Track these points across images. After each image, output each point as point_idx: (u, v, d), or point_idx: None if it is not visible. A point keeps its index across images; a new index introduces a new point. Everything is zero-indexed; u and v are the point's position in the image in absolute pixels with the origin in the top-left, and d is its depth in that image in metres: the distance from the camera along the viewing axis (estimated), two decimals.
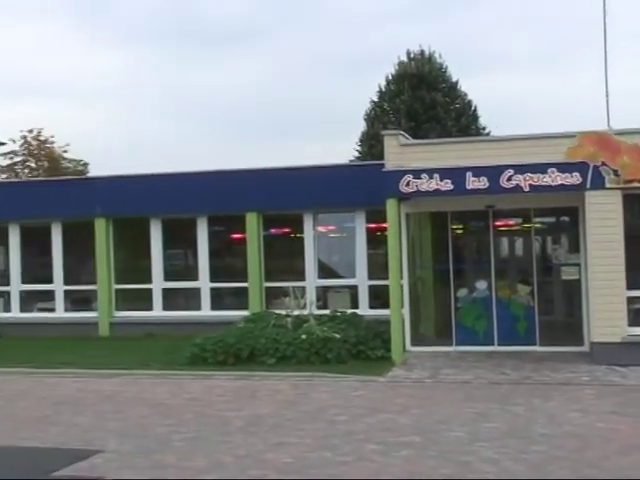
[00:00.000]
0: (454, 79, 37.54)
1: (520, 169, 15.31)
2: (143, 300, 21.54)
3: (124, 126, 59.15)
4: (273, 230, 21.16)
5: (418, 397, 12.70)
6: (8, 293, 22.30)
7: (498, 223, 17.53)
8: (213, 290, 21.06)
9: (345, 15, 61.96)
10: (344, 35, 61.51)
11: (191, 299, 21.39)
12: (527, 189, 15.32)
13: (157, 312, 21.37)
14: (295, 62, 60.79)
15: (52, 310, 22.19)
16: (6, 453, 9.85)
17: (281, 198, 20.15)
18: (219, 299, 21.14)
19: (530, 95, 54.94)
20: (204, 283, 21.06)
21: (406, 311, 16.75)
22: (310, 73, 61.28)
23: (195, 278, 21.16)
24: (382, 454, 9.29)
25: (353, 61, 59.61)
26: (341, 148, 51.60)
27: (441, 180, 15.71)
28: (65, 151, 42.21)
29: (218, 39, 63.90)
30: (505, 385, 13.48)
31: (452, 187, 15.68)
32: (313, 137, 59.43)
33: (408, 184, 15.87)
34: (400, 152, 16.52)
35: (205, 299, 21.04)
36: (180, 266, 22.38)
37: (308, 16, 63.28)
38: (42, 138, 41.82)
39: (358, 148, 37.36)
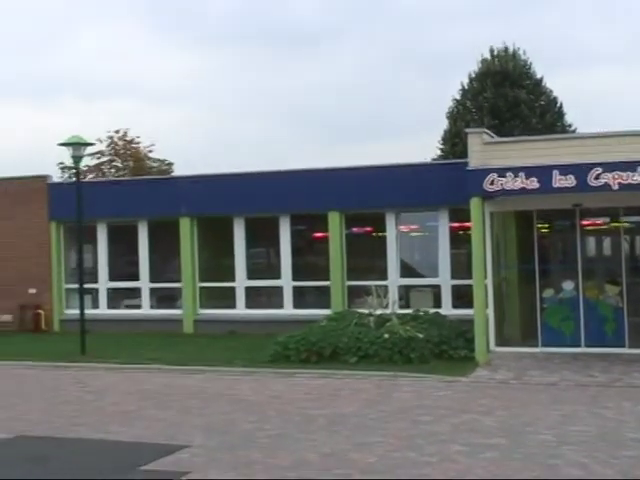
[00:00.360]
0: (539, 76, 36.97)
1: (608, 167, 14.96)
2: (226, 298, 21.79)
3: (207, 126, 59.96)
4: (355, 229, 21.15)
5: (503, 398, 12.52)
6: (96, 290, 22.80)
7: (585, 222, 17.17)
8: (295, 288, 21.16)
9: (426, 13, 61.58)
10: (426, 33, 61.11)
11: (273, 297, 21.55)
12: (616, 187, 14.94)
13: (240, 310, 21.59)
14: (376, 61, 60.64)
15: (138, 307, 22.63)
16: (95, 446, 10.06)
17: (363, 197, 20.14)
18: (301, 297, 21.24)
19: (626, 90, 53.53)
20: (286, 281, 21.17)
21: (490, 311, 16.53)
22: (391, 72, 61.08)
23: (278, 276, 21.29)
24: (467, 455, 9.18)
25: (435, 59, 59.16)
26: (423, 147, 51.29)
27: (527, 178, 15.46)
28: (150, 151, 42.86)
29: (297, 39, 64.20)
30: (593, 387, 13.19)
31: (538, 185, 15.41)
32: (395, 136, 59.22)
33: (492, 183, 15.67)
34: (484, 150, 16.32)
35: (287, 297, 21.16)
36: (263, 264, 22.57)
37: (389, 15, 63.12)
38: (128, 138, 42.54)
39: (440, 147, 37.08)
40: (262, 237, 22.28)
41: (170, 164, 43.56)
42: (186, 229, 21.83)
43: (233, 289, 21.70)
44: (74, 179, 19.76)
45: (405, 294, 20.17)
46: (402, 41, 60.43)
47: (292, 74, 62.32)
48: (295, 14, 62.18)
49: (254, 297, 21.72)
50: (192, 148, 53.85)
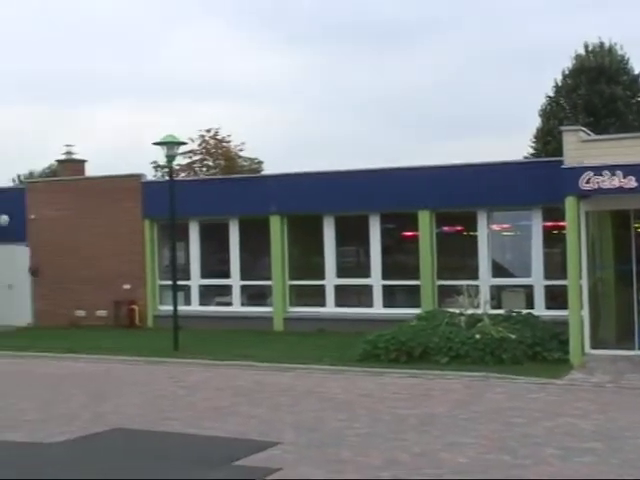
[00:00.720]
0: (636, 71, 35.97)
1: None
2: (316, 296, 21.87)
3: (299, 124, 60.31)
4: (446, 228, 20.96)
5: (599, 402, 12.23)
6: (188, 287, 23.16)
7: None
8: (385, 287, 21.09)
9: (518, 9, 60.65)
10: (518, 30, 60.22)
11: (363, 296, 21.52)
12: None
13: (329, 308, 21.63)
14: (468, 58, 60.02)
15: (229, 304, 22.89)
16: (190, 441, 10.21)
17: (454, 196, 19.94)
18: (391, 296, 21.16)
19: None
20: (376, 280, 21.13)
21: (585, 313, 16.13)
22: (483, 69, 60.39)
23: (367, 275, 21.25)
24: (562, 459, 8.99)
25: (528, 56, 58.27)
26: (516, 144, 50.58)
27: (624, 177, 15.07)
28: (241, 149, 43.36)
29: (390, 36, 64.00)
30: None
31: (636, 185, 15.01)
32: (487, 133, 58.58)
33: (588, 181, 15.32)
34: (579, 148, 15.96)
35: (377, 296, 21.11)
36: (352, 263, 22.55)
37: (481, 12, 62.38)
38: (219, 137, 43.14)
39: (533, 144, 36.46)
40: (352, 235, 22.27)
41: (260, 162, 43.98)
42: (276, 227, 21.99)
43: (323, 287, 21.76)
44: (167, 178, 20.15)
45: (497, 294, 19.89)
46: (496, 38, 59.68)
47: (385, 70, 62.23)
48: (387, 10, 62.01)
49: (343, 295, 21.74)
50: (283, 146, 54.29)
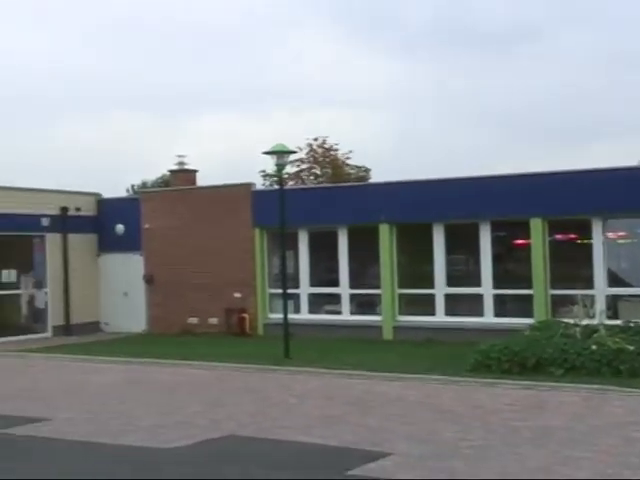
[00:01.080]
0: None
1: None
2: (425, 305, 21.72)
3: (408, 132, 60.06)
4: (558, 236, 20.52)
5: None
6: (298, 295, 23.32)
7: None
8: (496, 297, 20.78)
9: (633, 11, 58.91)
10: (631, 32, 58.57)
11: (473, 305, 21.25)
12: None
13: (439, 317, 21.46)
14: (581, 62, 58.67)
15: (338, 313, 22.95)
16: (303, 449, 10.25)
17: (567, 203, 19.53)
18: (502, 306, 20.84)
19: None
20: (487, 289, 20.84)
21: None
22: (597, 72, 58.90)
23: (477, 284, 20.99)
24: None
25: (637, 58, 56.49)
26: (632, 149, 49.01)
27: None
28: (348, 158, 43.54)
29: (496, 42, 63.10)
30: None
31: None
32: (601, 138, 57.09)
33: None
34: None
35: (488, 305, 20.82)
36: (462, 272, 22.32)
37: (594, 15, 60.88)
38: (326, 146, 43.42)
39: None
40: (461, 244, 22.05)
41: (367, 170, 44.03)
42: (385, 236, 21.94)
43: (432, 296, 21.59)
44: (276, 186, 20.34)
45: (613, 304, 19.33)
46: (612, 41, 58.19)
47: (500, 76, 61.35)
48: (499, 14, 61.16)
49: (453, 304, 21.52)
50: (390, 154, 54.15)
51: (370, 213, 21.98)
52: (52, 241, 25.28)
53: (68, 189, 26.14)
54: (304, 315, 23.17)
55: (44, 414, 12.69)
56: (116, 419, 12.26)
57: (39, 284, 25.16)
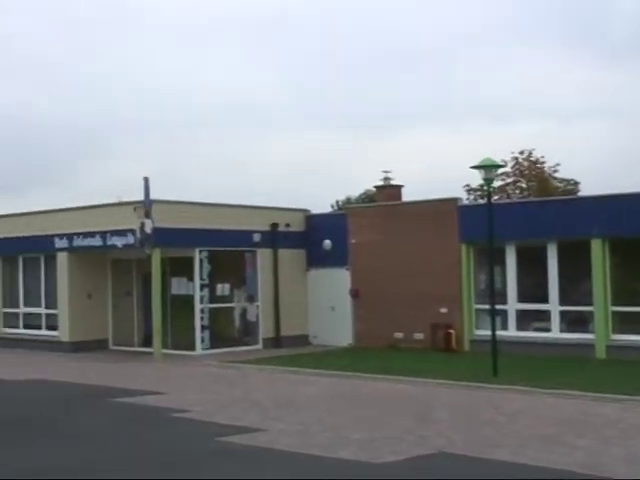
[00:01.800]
0: None
1: None
2: None
3: (616, 144, 57.58)
4: None
5: None
6: (505, 312, 22.81)
7: None
8: None
9: None
10: None
11: None
12: None
13: None
14: None
15: (547, 330, 22.27)
16: (516, 470, 9.99)
17: None
18: None
19: None
20: None
21: None
22: None
23: None
24: None
25: None
26: None
27: None
28: (555, 171, 42.43)
29: None
30: None
31: None
32: None
33: None
34: None
35: None
36: None
37: None
38: (533, 159, 42.52)
39: None
40: None
41: (576, 183, 42.68)
42: (598, 250, 21.09)
43: None
44: (481, 201, 20.07)
45: None
46: None
47: None
48: None
49: None
50: (603, 167, 52.05)
51: (581, 227, 21.22)
52: (263, 256, 26.16)
53: (278, 205, 26.99)
54: (512, 332, 22.61)
55: (258, 424, 13.11)
56: (326, 432, 12.46)
57: (251, 298, 26.10)
